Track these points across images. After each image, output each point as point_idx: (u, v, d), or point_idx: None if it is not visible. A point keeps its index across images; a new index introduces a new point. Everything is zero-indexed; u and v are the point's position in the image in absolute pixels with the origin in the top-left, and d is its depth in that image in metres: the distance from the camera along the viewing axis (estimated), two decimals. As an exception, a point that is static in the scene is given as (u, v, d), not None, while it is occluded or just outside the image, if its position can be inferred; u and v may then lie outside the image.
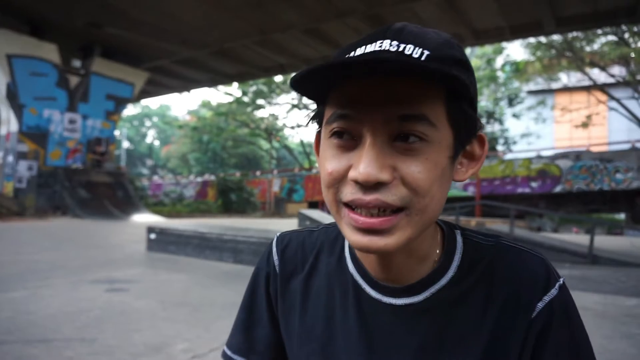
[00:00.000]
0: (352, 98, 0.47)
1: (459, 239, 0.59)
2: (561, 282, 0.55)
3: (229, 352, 0.69)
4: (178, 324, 3.32)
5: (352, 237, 0.48)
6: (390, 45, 0.46)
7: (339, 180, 0.49)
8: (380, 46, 0.46)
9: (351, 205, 0.48)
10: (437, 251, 0.58)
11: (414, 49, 0.46)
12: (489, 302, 0.55)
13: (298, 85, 0.46)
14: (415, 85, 0.45)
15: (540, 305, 0.53)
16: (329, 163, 0.49)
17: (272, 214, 26.86)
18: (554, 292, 0.54)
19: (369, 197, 0.46)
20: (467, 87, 0.46)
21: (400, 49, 0.46)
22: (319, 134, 0.56)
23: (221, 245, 6.71)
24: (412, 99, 0.45)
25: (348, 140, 0.48)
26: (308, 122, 0.56)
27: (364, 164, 0.45)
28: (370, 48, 0.47)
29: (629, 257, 7.80)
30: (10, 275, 5.04)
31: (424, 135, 0.46)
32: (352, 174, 0.46)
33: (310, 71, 0.43)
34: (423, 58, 0.45)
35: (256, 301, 0.69)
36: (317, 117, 0.55)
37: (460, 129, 0.49)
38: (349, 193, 0.47)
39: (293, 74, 0.44)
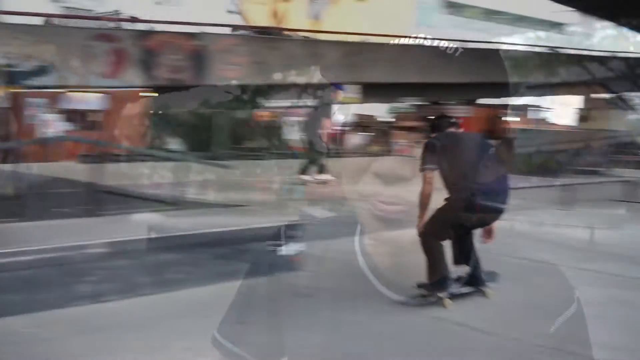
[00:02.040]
0: None
1: None
2: None
3: (218, 336, 0.68)
4: (180, 324, 3.32)
5: None
6: None
7: None
8: None
9: None
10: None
11: None
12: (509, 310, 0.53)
13: None
14: None
15: None
16: None
17: (273, 212, 26.80)
18: None
19: None
20: None
21: None
22: None
23: (222, 243, 6.68)
24: None
25: None
26: None
27: None
28: None
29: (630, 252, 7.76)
30: (13, 278, 5.02)
31: None
32: None
33: None
34: None
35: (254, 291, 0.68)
36: None
37: None
38: None
39: None
